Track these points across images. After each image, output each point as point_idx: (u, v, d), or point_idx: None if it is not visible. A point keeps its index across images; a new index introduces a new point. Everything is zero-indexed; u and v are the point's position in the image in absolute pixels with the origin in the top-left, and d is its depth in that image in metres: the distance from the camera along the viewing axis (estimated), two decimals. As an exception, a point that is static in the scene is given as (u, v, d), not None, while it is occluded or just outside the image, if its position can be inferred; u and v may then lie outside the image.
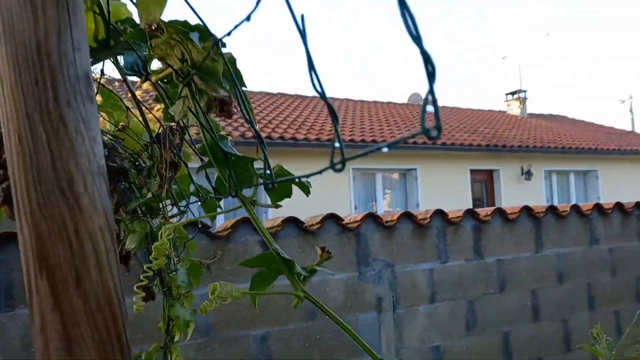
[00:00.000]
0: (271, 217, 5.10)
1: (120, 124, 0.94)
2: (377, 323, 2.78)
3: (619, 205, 3.66)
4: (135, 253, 1.54)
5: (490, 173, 10.71)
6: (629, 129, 18.84)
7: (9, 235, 1.98)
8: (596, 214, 3.57)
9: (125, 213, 1.52)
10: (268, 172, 0.57)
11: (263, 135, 6.84)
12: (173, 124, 0.76)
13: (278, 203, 0.66)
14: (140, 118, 0.87)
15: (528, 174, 10.68)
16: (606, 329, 3.47)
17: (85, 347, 0.37)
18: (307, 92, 13.07)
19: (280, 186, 0.65)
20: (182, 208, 1.26)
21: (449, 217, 3.11)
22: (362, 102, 13.58)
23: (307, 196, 0.66)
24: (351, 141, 8.69)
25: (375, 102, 13.91)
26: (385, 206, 9.68)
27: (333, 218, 2.82)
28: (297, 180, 0.62)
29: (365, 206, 9.19)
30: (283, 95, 12.57)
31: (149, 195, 1.27)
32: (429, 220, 3.04)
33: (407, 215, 3.03)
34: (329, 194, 8.19)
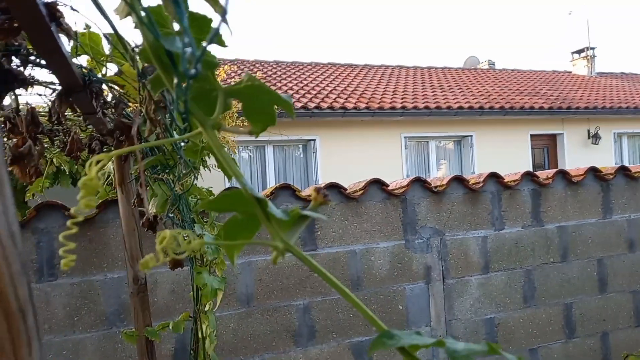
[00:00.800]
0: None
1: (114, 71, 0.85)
2: (425, 294, 2.64)
3: (702, 165, 3.26)
4: (161, 218, 1.49)
5: (553, 137, 10.06)
6: None
7: (49, 205, 2.00)
8: (674, 175, 3.21)
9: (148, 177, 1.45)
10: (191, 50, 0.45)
11: (311, 105, 6.68)
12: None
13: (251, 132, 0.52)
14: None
15: (595, 138, 9.95)
16: (685, 301, 3.15)
17: None
18: (358, 61, 12.76)
19: (259, 108, 0.52)
20: (194, 165, 1.17)
21: (505, 181, 2.88)
22: (415, 68, 13.09)
23: (292, 117, 0.53)
24: (403, 108, 8.39)
25: (429, 67, 13.37)
26: (440, 177, 9.36)
27: (377, 184, 2.68)
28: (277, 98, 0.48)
29: (419, 176, 8.90)
30: (334, 64, 12.33)
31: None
32: (482, 184, 2.83)
33: (458, 180, 2.83)
34: (380, 165, 8.00)
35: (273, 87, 9.77)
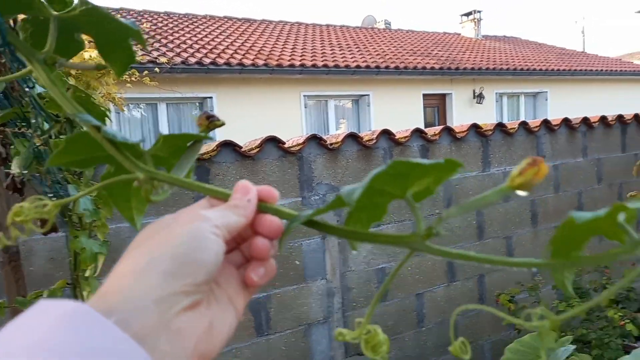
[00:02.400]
0: None
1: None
2: (321, 248, 2.71)
3: (565, 121, 3.64)
4: (29, 179, 1.33)
5: (443, 97, 10.66)
6: (580, 49, 19.06)
7: None
8: (544, 131, 3.55)
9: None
10: None
11: (207, 61, 6.36)
12: None
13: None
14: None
15: (480, 97, 10.71)
16: (547, 243, 3.57)
17: None
18: (256, 16, 12.38)
19: (112, 42, 0.46)
20: (56, 116, 1.05)
21: (396, 137, 2.99)
22: (314, 25, 13.01)
23: (143, 47, 0.46)
24: (302, 66, 8.33)
25: (328, 25, 13.35)
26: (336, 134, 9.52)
27: (274, 141, 2.64)
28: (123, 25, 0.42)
29: (319, 134, 9.01)
30: (230, 18, 11.84)
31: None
32: (375, 141, 2.91)
33: (353, 137, 2.89)
34: (280, 124, 7.95)
35: (164, 41, 9.11)
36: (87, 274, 1.50)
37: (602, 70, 12.72)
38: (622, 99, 12.63)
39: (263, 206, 0.42)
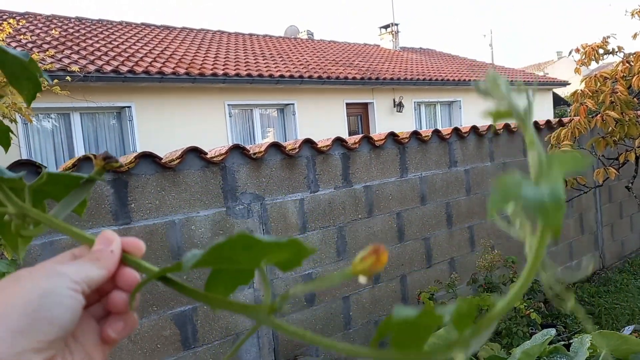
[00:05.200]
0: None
1: None
2: (247, 257, 2.71)
3: (474, 129, 3.92)
4: None
5: (365, 106, 11.00)
6: (489, 61, 20.45)
7: None
8: (455, 138, 3.79)
9: None
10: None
11: (124, 69, 6.11)
12: None
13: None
14: None
15: (399, 106, 11.17)
16: (462, 242, 3.81)
17: None
18: (175, 23, 12.10)
19: (20, 74, 0.47)
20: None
21: (318, 146, 3.07)
22: (237, 34, 12.95)
23: (40, 75, 0.48)
24: (225, 75, 8.26)
25: (251, 34, 13.34)
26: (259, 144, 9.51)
27: (195, 152, 2.62)
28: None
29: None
30: (148, 26, 11.49)
31: None
32: (298, 150, 2.97)
33: (276, 146, 2.93)
34: (204, 134, 7.82)
35: (76, 47, 8.64)
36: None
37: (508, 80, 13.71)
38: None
39: (126, 258, 0.40)
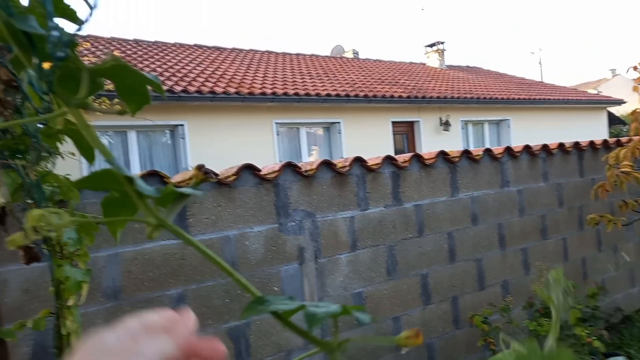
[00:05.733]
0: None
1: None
2: (299, 274, 2.74)
3: (527, 148, 3.83)
4: (11, 210, 1.35)
5: (411, 124, 10.95)
6: (538, 79, 19.97)
7: None
8: (507, 157, 3.72)
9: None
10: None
11: (178, 89, 6.41)
12: None
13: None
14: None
15: (446, 125, 11.05)
16: (515, 264, 3.70)
17: None
18: (226, 44, 12.52)
19: (130, 88, 0.52)
20: (50, 150, 1.08)
21: (368, 164, 3.09)
22: (284, 54, 13.24)
23: (162, 95, 0.53)
24: (273, 94, 8.46)
25: (298, 54, 13.62)
26: (310, 161, 9.62)
27: (250, 169, 2.69)
28: (145, 77, 0.48)
29: (290, 161, 9.05)
30: (200, 47, 11.94)
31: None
32: (348, 168, 3.00)
33: (327, 164, 2.97)
34: (252, 151, 8.00)
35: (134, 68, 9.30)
36: (70, 302, 1.50)
37: (560, 99, 13.35)
38: (578, 126, 13.25)
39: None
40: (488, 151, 3.63)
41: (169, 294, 2.32)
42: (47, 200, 1.25)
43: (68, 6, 0.60)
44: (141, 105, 0.58)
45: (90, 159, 1.12)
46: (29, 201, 1.29)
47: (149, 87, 0.55)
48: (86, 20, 0.43)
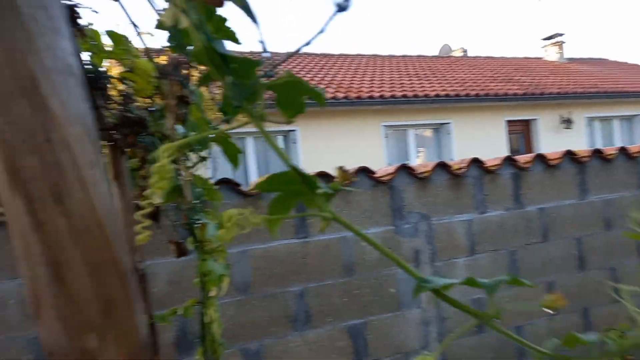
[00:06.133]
0: None
1: (127, 66, 0.88)
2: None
3: (671, 146, 3.43)
4: (164, 209, 1.52)
5: (527, 123, 10.31)
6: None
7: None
8: (646, 156, 3.36)
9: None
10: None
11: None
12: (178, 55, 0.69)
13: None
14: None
15: (568, 122, 10.23)
16: (657, 275, 3.32)
17: (76, 273, 0.32)
18: (332, 51, 12.79)
19: (291, 99, 0.57)
20: (202, 154, 1.21)
21: (486, 165, 2.98)
22: (390, 57, 13.20)
23: (322, 105, 0.58)
24: (381, 97, 8.47)
25: (404, 56, 13.49)
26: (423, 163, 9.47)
27: (365, 171, 2.74)
28: (309, 88, 0.53)
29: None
30: (309, 55, 12.33)
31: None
32: (464, 169, 2.92)
33: (442, 166, 2.92)
34: (361, 154, 8.09)
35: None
36: (212, 294, 1.65)
37: None
38: None
39: None
40: (623, 150, 3.31)
41: (292, 290, 2.44)
42: (197, 201, 1.39)
43: (229, 28, 0.69)
44: (296, 114, 0.64)
45: (235, 163, 1.24)
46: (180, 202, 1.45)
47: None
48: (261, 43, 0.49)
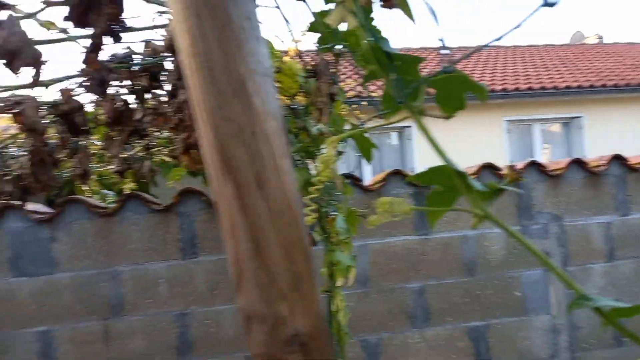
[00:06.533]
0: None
1: (275, 66, 0.95)
2: (543, 280, 2.56)
3: None
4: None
5: (678, 116, 9.08)
6: None
7: (190, 191, 2.21)
8: None
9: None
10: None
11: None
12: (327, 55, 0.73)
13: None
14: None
15: None
16: None
17: (272, 249, 0.37)
18: (450, 44, 12.39)
19: (452, 95, 0.58)
20: (339, 149, 1.26)
21: (630, 163, 2.69)
22: (514, 47, 12.42)
23: (484, 101, 0.58)
24: (504, 90, 8.02)
25: (530, 46, 12.61)
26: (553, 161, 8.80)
27: (489, 168, 2.63)
28: (471, 82, 0.53)
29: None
30: (425, 49, 12.06)
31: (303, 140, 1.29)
32: (604, 167, 2.67)
33: (577, 163, 2.69)
34: (481, 151, 7.73)
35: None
36: (339, 284, 1.71)
37: None
38: None
39: None
40: None
41: (410, 286, 2.44)
42: (328, 193, 1.45)
43: (375, 27, 0.71)
44: (456, 110, 0.64)
45: (368, 158, 1.27)
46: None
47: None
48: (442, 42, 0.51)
